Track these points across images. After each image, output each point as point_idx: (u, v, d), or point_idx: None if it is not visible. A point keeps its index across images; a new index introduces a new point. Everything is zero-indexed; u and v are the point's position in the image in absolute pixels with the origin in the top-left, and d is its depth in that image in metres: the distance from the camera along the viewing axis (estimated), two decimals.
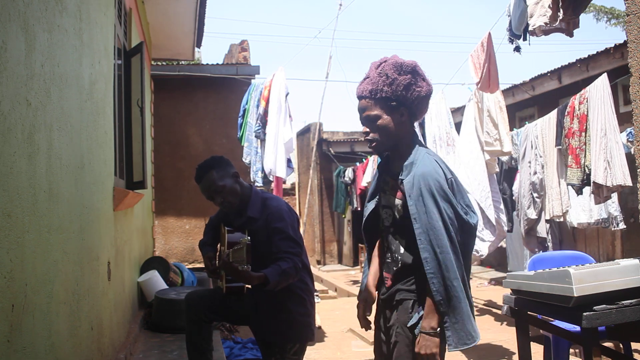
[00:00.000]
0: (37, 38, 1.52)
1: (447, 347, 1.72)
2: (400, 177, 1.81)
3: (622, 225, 4.64)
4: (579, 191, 3.92)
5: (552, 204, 4.30)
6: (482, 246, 4.36)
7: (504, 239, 5.73)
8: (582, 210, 4.78)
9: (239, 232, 2.39)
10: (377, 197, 1.99)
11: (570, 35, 3.05)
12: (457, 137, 4.85)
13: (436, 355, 1.70)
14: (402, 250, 1.85)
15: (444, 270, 1.67)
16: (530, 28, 3.07)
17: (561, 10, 2.88)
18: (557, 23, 2.94)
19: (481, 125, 4.36)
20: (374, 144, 1.83)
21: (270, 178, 4.93)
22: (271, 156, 4.73)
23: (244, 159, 5.21)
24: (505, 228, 4.61)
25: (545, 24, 2.95)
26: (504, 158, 5.17)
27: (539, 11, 2.99)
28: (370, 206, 2.01)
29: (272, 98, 4.88)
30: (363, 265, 2.09)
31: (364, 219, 2.04)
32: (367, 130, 1.83)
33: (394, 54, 1.84)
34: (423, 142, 1.88)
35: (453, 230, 1.69)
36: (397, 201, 1.85)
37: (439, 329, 1.69)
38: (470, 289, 1.78)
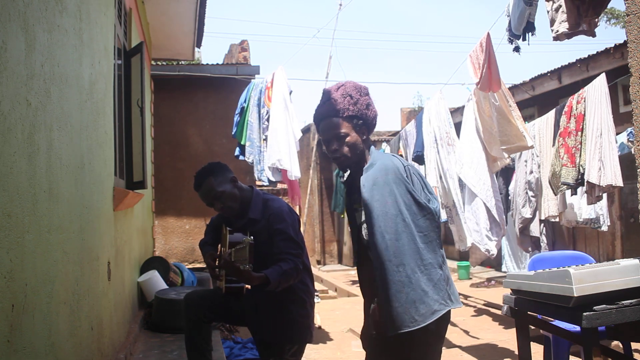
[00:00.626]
0: (37, 38, 1.52)
1: (413, 325, 1.70)
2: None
3: (604, 227, 4.60)
4: (573, 190, 3.92)
5: (548, 204, 4.30)
6: (491, 245, 4.35)
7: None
8: (570, 209, 4.78)
9: (240, 232, 2.39)
10: (353, 217, 2.02)
11: (593, 35, 3.02)
12: (457, 137, 4.84)
13: (377, 322, 1.79)
14: None
15: (390, 255, 1.71)
16: (553, 35, 3.06)
17: (582, 13, 2.87)
18: (579, 26, 2.93)
19: (482, 125, 4.35)
20: (341, 159, 1.91)
21: (274, 178, 4.92)
22: (285, 156, 4.71)
23: (246, 158, 5.20)
24: (506, 227, 4.61)
25: (568, 29, 2.94)
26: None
27: (560, 17, 2.97)
28: (351, 227, 2.07)
29: (276, 98, 4.87)
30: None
31: (354, 238, 2.05)
32: (336, 147, 1.89)
33: (348, 79, 2.00)
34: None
35: (409, 215, 1.74)
36: None
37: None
38: (438, 273, 1.75)
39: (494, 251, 4.38)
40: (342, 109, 1.87)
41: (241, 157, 5.21)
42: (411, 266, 1.69)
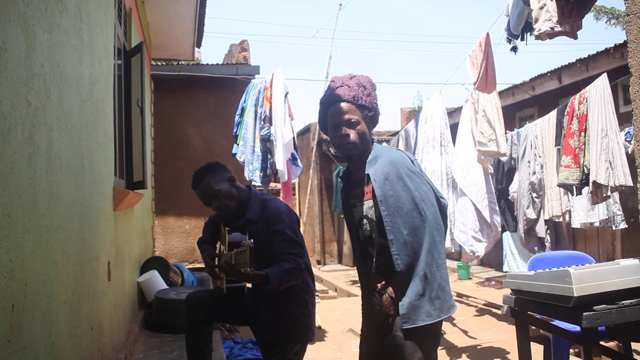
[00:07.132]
0: (37, 38, 1.52)
1: (428, 319, 1.73)
2: (366, 173, 1.87)
3: (622, 225, 4.63)
4: (577, 191, 3.92)
5: (551, 204, 4.30)
6: (479, 247, 4.37)
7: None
8: (583, 211, 4.77)
9: (238, 232, 2.39)
10: (350, 213, 2.03)
11: (575, 37, 3.05)
12: (452, 138, 4.86)
13: (391, 314, 1.77)
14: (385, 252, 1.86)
15: (412, 251, 1.73)
16: (535, 33, 3.07)
17: (565, 14, 2.87)
18: (562, 27, 2.94)
19: (476, 125, 4.37)
20: (349, 146, 1.89)
21: (285, 178, 4.93)
22: (280, 158, 4.71)
23: (238, 157, 5.17)
24: (499, 229, 4.63)
25: (551, 28, 2.94)
26: (504, 158, 5.18)
27: (544, 16, 2.98)
28: (349, 224, 2.09)
29: (275, 98, 4.87)
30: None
31: (352, 236, 2.08)
32: (346, 133, 1.88)
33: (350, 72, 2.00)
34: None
35: (426, 207, 1.75)
36: (370, 203, 1.87)
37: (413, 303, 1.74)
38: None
39: (481, 253, 4.41)
40: (356, 96, 1.87)
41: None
42: (428, 261, 1.73)
